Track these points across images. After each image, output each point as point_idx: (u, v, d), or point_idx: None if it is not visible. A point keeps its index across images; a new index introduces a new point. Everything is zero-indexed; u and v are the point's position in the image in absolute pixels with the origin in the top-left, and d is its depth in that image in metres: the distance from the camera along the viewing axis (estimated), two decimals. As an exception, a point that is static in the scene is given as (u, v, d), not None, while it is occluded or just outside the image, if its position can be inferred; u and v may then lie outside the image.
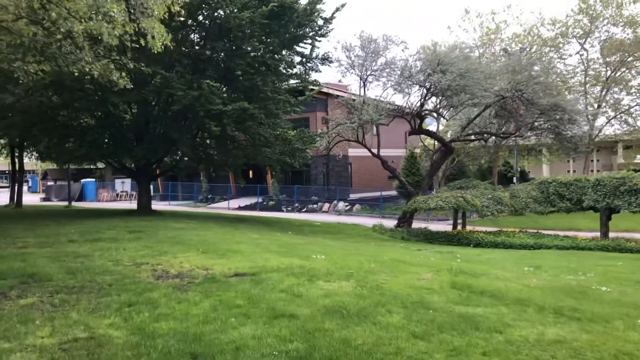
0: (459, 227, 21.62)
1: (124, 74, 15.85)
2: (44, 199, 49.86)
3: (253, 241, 12.84)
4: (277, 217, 29.05)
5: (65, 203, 42.37)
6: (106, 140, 22.73)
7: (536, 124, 25.01)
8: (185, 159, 24.73)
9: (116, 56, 16.56)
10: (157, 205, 39.67)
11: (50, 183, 57.26)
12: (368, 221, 27.29)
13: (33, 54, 14.18)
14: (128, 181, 49.43)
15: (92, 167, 50.61)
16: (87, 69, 13.99)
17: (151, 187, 48.87)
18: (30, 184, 74.32)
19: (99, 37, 13.35)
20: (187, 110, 18.88)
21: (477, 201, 19.06)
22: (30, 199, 49.88)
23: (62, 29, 12.34)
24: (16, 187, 29.84)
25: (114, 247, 11.22)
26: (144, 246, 11.43)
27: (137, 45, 13.84)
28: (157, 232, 14.68)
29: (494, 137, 32.66)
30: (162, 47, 13.44)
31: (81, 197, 48.14)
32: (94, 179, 51.60)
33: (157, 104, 20.55)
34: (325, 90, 33.45)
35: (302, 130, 23.93)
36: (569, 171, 51.29)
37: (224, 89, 21.34)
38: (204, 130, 20.41)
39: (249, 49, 19.68)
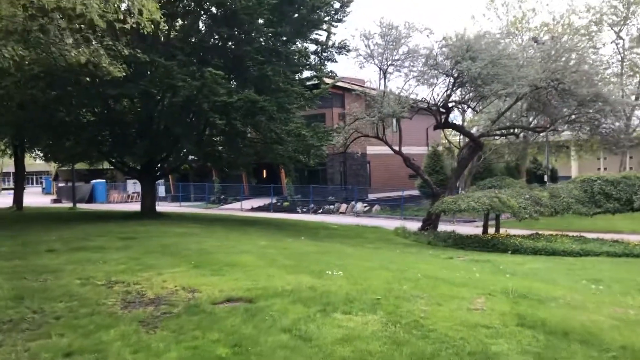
0: (491, 231, 19.54)
1: (118, 62, 14.18)
2: (55, 201, 48.72)
3: (259, 250, 10.97)
4: (291, 219, 27.19)
5: (79, 204, 41.19)
6: (106, 137, 21.05)
7: (573, 116, 22.77)
8: (192, 157, 22.96)
9: (109, 42, 14.87)
10: (167, 206, 38.19)
11: (61, 184, 56.20)
12: (389, 223, 25.30)
13: (16, 39, 12.49)
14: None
15: (103, 167, 49.37)
16: (72, 55, 12.33)
17: (163, 187, 48.14)
18: (44, 186, 73.62)
19: (85, 17, 11.69)
20: (189, 102, 17.09)
21: (513, 202, 16.97)
22: (42, 200, 48.86)
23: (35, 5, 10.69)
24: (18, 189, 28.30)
25: (93, 259, 9.47)
26: (129, 258, 9.65)
27: (125, 25, 12.08)
28: (152, 239, 12.92)
29: (522, 133, 30.52)
30: (152, 26, 11.70)
31: (91, 199, 46.85)
32: (104, 180, 50.23)
33: (158, 96, 18.78)
34: (342, 85, 31.50)
35: (317, 125, 22.01)
36: (599, 169, 48.65)
37: (232, 79, 19.53)
38: (210, 126, 18.60)
39: (258, 35, 17.81)
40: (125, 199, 47.16)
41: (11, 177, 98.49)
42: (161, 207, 37.42)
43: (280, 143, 20.00)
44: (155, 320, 5.45)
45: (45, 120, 19.08)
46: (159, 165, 22.21)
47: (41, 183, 79.51)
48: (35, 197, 56.09)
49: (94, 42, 13.55)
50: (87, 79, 17.28)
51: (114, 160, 22.33)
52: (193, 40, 18.82)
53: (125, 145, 20.44)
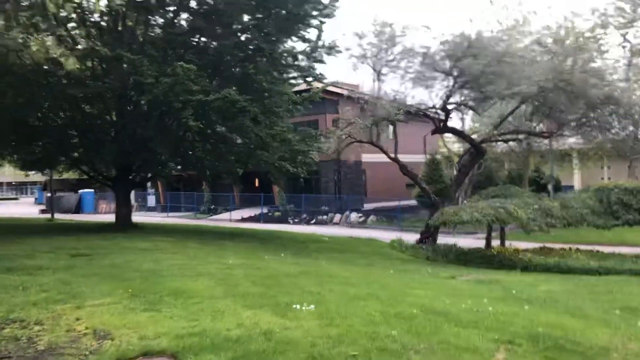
0: (495, 244, 17.76)
1: (73, 54, 12.45)
2: (43, 211, 46.79)
3: (223, 271, 9.13)
4: (281, 230, 25.34)
5: (64, 215, 39.30)
6: (75, 142, 19.24)
7: (583, 120, 21.04)
8: (172, 164, 21.14)
9: (63, 31, 13.14)
10: (154, 217, 36.36)
11: (49, 194, 54.28)
12: (385, 235, 23.47)
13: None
14: (131, 193, 46.10)
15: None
16: (17, 42, 10.59)
17: (153, 197, 46.29)
18: (36, 196, 71.77)
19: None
20: (159, 102, 15.32)
21: (521, 213, 15.19)
22: (30, 210, 46.93)
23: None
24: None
25: (14, 284, 7.65)
26: (59, 282, 7.83)
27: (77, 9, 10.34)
28: (106, 256, 11.10)
29: (526, 141, 28.79)
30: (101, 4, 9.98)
31: (79, 209, 44.98)
32: (92, 190, 48.30)
33: (127, 96, 17.01)
34: (335, 90, 29.79)
35: (304, 130, 20.24)
36: (602, 178, 46.86)
37: (212, 79, 17.79)
38: (186, 128, 16.81)
39: (239, 30, 16.07)
40: (114, 209, 45.25)
41: (4, 188, 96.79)
42: (148, 217, 35.68)
43: (265, 148, 18.21)
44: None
45: (7, 123, 17.29)
46: (135, 173, 20.38)
47: (33, 193, 77.69)
48: (25, 208, 54.28)
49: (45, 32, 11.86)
50: (49, 78, 15.48)
51: (85, 168, 20.51)
52: (168, 35, 17.06)
53: (95, 150, 18.66)
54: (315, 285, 7.97)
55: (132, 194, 45.47)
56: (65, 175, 36.92)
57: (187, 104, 14.80)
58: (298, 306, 6.11)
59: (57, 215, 36.35)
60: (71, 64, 11.40)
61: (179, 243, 14.57)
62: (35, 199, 68.71)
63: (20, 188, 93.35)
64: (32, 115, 17.11)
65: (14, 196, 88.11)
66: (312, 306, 6.11)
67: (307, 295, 6.99)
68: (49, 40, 11.13)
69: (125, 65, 15.35)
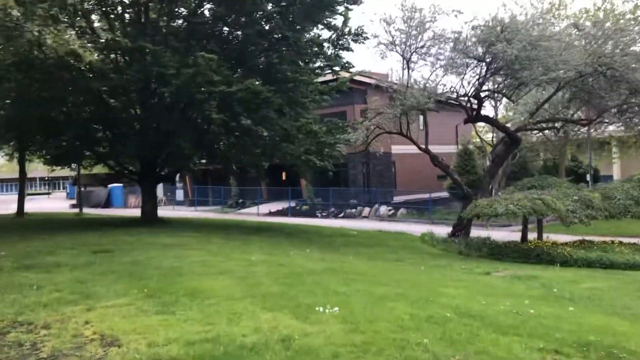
0: (531, 237, 16.96)
1: (95, 47, 12.15)
2: (73, 206, 47.50)
3: (245, 268, 8.74)
4: (308, 224, 24.93)
5: (93, 210, 39.83)
6: (101, 136, 19.13)
7: (625, 106, 19.95)
8: (197, 158, 20.88)
9: (82, 23, 12.90)
10: (182, 211, 36.44)
11: (81, 189, 55.06)
12: (415, 228, 22.85)
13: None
14: (160, 186, 46.31)
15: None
16: (33, 35, 10.35)
17: (181, 192, 46.43)
18: (68, 191, 73.07)
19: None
20: (182, 94, 15.01)
21: (559, 204, 14.41)
22: (62, 205, 47.72)
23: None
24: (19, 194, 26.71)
25: (30, 283, 7.42)
26: (75, 281, 7.56)
27: None
28: (127, 252, 10.84)
29: (562, 128, 27.67)
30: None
31: (108, 203, 45.48)
32: (122, 184, 48.75)
33: (149, 89, 16.76)
34: (363, 79, 29.11)
35: (330, 121, 19.69)
36: (644, 168, 45.01)
37: (236, 70, 17.42)
38: (209, 121, 16.48)
39: (262, 17, 15.61)
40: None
41: (37, 182, 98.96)
42: (176, 211, 35.79)
43: (290, 141, 17.77)
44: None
45: (32, 118, 17.25)
46: (159, 167, 20.20)
47: (65, 188, 79.07)
48: (57, 202, 55.32)
49: (63, 23, 11.60)
50: (72, 72, 15.31)
51: (110, 163, 20.44)
52: (190, 25, 16.73)
53: (120, 144, 18.54)
54: (340, 284, 7.50)
55: (161, 188, 45.93)
56: (95, 170, 37.14)
57: (209, 95, 14.44)
58: (321, 308, 5.65)
59: (87, 210, 36.76)
60: (89, 56, 11.04)
61: (203, 238, 14.27)
62: (67, 193, 69.91)
63: (52, 183, 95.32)
64: (57, 110, 17.01)
65: (46, 191, 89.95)
66: (336, 308, 5.64)
67: (331, 295, 6.53)
68: (67, 33, 10.79)
69: (147, 57, 15.09)
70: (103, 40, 12.51)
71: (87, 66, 13.44)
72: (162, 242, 12.92)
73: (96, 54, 12.01)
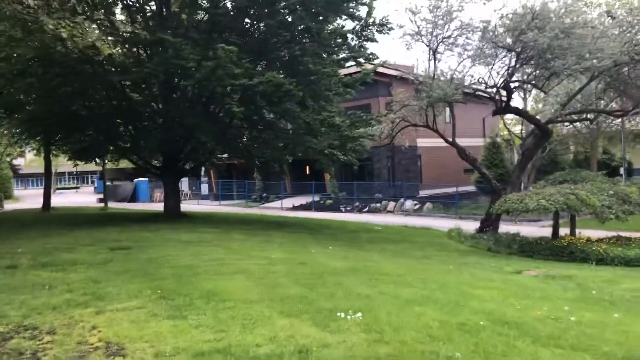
0: (562, 232, 16.25)
1: (115, 41, 11.90)
2: (101, 200, 48.01)
3: (264, 267, 8.39)
4: (332, 219, 24.54)
5: (119, 204, 40.17)
6: (123, 131, 19.01)
7: (664, 97, 19.02)
8: (219, 153, 20.64)
9: (100, 16, 12.67)
10: (207, 205, 36.44)
11: (107, 183, 55.58)
12: (442, 223, 22.26)
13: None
14: (186, 180, 46.42)
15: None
16: (50, 28, 10.13)
17: (206, 186, 46.50)
18: (96, 185, 73.96)
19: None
20: (203, 88, 14.73)
21: (594, 199, 13.73)
22: (89, 200, 48.20)
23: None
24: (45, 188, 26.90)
25: (42, 282, 7.21)
26: (88, 281, 7.33)
27: None
28: (146, 249, 10.63)
29: (592, 120, 26.71)
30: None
31: (134, 198, 45.86)
32: (147, 179, 49.05)
33: (171, 82, 16.53)
34: (388, 71, 28.51)
35: (354, 113, 19.22)
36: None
37: (258, 63, 17.09)
38: (230, 115, 16.18)
39: (283, 4, 15.20)
40: (167, 198, 45.82)
41: (66, 177, 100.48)
42: (201, 206, 35.76)
43: (313, 135, 17.37)
44: None
45: (56, 113, 17.21)
46: (182, 162, 20.02)
47: (93, 182, 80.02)
48: (84, 197, 55.95)
49: (81, 16, 11.37)
50: (94, 66, 15.14)
51: (133, 157, 20.33)
52: (212, 17, 16.42)
53: (143, 138, 18.40)
54: (364, 286, 7.09)
55: (186, 183, 46.06)
56: (122, 165, 37.42)
57: (230, 88, 14.13)
58: (342, 314, 5.25)
59: (113, 204, 37.04)
60: (107, 49, 10.78)
61: (223, 234, 14.00)
62: (95, 188, 70.76)
63: (82, 177, 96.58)
64: (79, 104, 16.91)
65: (75, 185, 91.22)
66: (359, 314, 5.23)
67: (354, 298, 6.12)
68: (86, 26, 10.55)
69: (169, 51, 14.84)
70: (122, 33, 12.23)
71: (106, 60, 13.20)
72: (182, 238, 12.70)
73: (117, 48, 11.76)
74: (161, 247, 10.89)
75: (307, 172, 36.77)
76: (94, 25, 12.10)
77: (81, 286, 6.95)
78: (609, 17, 27.47)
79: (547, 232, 17.60)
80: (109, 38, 12.51)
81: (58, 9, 10.23)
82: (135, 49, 17.19)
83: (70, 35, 9.70)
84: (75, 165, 24.62)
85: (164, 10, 17.36)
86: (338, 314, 5.26)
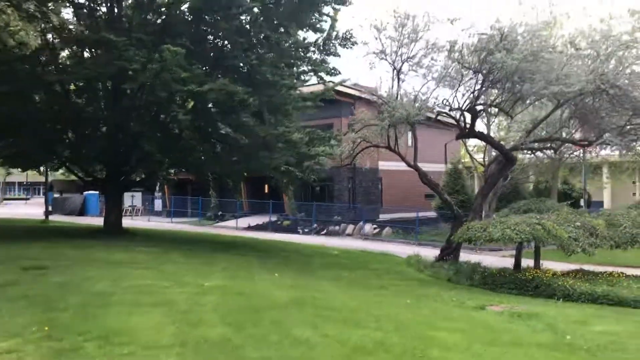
0: (525, 264, 15.50)
1: (31, 31, 10.57)
2: (49, 213, 45.42)
3: (191, 298, 7.14)
4: (288, 241, 23.32)
5: (66, 217, 37.99)
6: (59, 136, 17.43)
7: (628, 126, 18.71)
8: (167, 167, 19.23)
9: (30, 6, 11.34)
10: (158, 222, 34.63)
11: (56, 195, 52.86)
12: (401, 249, 21.35)
13: None
14: (139, 195, 44.31)
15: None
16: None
17: (160, 201, 44.59)
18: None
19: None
20: (148, 92, 13.46)
21: (561, 231, 12.98)
22: (34, 211, 45.43)
23: None
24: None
25: None
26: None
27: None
28: (64, 271, 9.23)
29: (551, 151, 26.47)
30: None
31: (83, 211, 43.54)
32: (98, 192, 46.74)
33: (115, 86, 15.19)
34: (351, 92, 27.82)
35: (313, 131, 18.23)
36: (634, 194, 43.93)
37: (212, 72, 15.93)
38: (178, 124, 14.91)
39: (239, 9, 14.14)
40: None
41: (16, 187, 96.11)
42: (151, 222, 33.95)
43: (269, 149, 16.24)
44: None
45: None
46: (127, 174, 18.54)
47: (44, 194, 76.71)
48: (32, 208, 52.95)
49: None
50: (21, 62, 13.65)
51: (74, 167, 18.74)
52: (164, 19, 15.25)
53: (85, 146, 16.92)
54: (305, 326, 5.93)
55: (139, 198, 44.01)
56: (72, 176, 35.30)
57: (175, 94, 12.91)
58: (269, 370, 4.08)
59: (60, 217, 34.89)
60: (32, 43, 9.47)
61: (161, 255, 12.63)
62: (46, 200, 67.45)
63: (33, 188, 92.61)
64: (10, 106, 15.28)
65: (24, 196, 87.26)
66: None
67: (289, 345, 4.97)
68: (6, 13, 9.23)
69: (113, 52, 13.55)
70: (52, 26, 10.93)
71: (37, 53, 11.82)
72: (111, 258, 11.28)
73: (37, 38, 10.43)
74: (82, 269, 9.48)
75: (266, 190, 35.50)
76: (13, 13, 10.71)
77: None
78: (572, 48, 27.43)
79: (509, 262, 16.87)
80: (31, 29, 11.16)
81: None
82: (79, 49, 15.85)
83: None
84: (9, 173, 22.73)
85: (115, 10, 16.12)
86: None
